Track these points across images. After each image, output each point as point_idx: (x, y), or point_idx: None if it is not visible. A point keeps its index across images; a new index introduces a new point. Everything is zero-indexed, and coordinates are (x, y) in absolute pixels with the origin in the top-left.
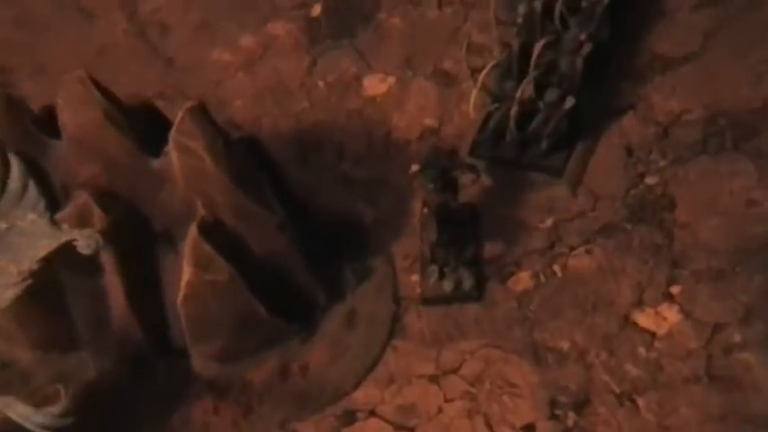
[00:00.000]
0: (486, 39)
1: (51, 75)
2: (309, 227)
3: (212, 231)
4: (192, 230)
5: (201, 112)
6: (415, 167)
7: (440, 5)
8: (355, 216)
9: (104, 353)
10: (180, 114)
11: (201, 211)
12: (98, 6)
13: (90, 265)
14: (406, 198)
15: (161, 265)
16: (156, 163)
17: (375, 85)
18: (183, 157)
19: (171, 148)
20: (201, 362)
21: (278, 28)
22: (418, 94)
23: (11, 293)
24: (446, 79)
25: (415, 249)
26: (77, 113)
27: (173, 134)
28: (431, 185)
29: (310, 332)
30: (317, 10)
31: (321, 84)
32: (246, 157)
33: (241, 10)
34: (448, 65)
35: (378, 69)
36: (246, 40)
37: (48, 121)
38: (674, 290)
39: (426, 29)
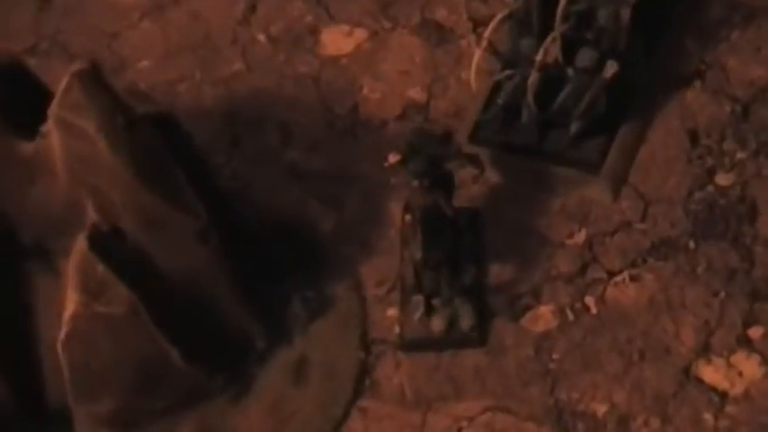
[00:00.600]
0: None
1: None
2: (244, 237)
3: (108, 245)
4: (80, 243)
5: (95, 76)
6: (394, 157)
7: None
8: (308, 223)
9: None
10: (65, 80)
11: (93, 216)
12: None
13: None
14: (381, 199)
15: (32, 291)
16: (27, 148)
17: (338, 40)
18: (69, 141)
19: (50, 127)
20: (88, 428)
21: None
22: (399, 54)
23: None
24: (438, 34)
25: (392, 272)
26: None
27: (54, 108)
28: (416, 182)
29: (243, 388)
30: None
31: (262, 38)
32: (156, 140)
33: None
34: (440, 14)
35: (342, 18)
36: None
37: None
38: (754, 333)
39: None
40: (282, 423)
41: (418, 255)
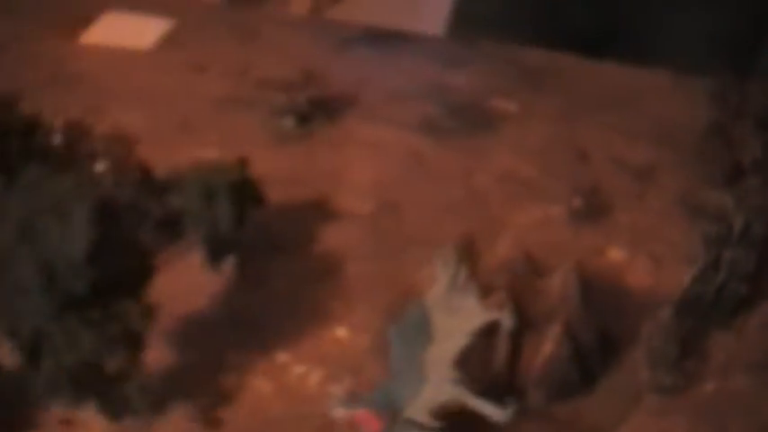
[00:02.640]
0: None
1: None
2: None
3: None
4: (556, 327)
5: None
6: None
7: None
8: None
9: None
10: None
11: (564, 317)
12: None
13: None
14: None
15: (525, 340)
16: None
17: None
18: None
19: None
20: (538, 400)
21: None
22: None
23: (462, 344)
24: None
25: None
26: None
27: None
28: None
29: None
30: None
31: None
32: None
33: None
34: None
35: None
36: None
37: None
38: None
39: None
40: (602, 399)
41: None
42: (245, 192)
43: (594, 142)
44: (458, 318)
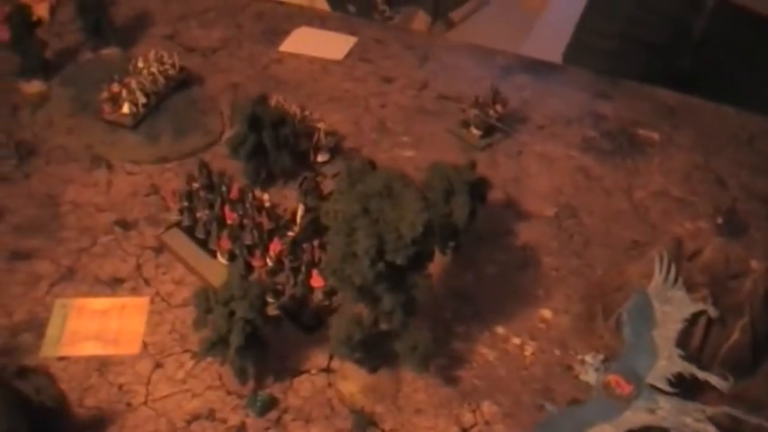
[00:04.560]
0: None
1: None
2: None
3: (754, 324)
4: (744, 319)
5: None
6: None
7: None
8: None
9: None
10: None
11: (751, 312)
12: None
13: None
14: None
15: (714, 328)
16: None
17: None
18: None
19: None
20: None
21: None
22: None
23: (679, 327)
24: None
25: None
26: None
27: None
28: None
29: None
30: None
31: None
32: None
33: None
34: None
35: None
36: None
37: None
38: None
39: None
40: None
41: None
42: (477, 191)
43: (727, 171)
44: (671, 306)
